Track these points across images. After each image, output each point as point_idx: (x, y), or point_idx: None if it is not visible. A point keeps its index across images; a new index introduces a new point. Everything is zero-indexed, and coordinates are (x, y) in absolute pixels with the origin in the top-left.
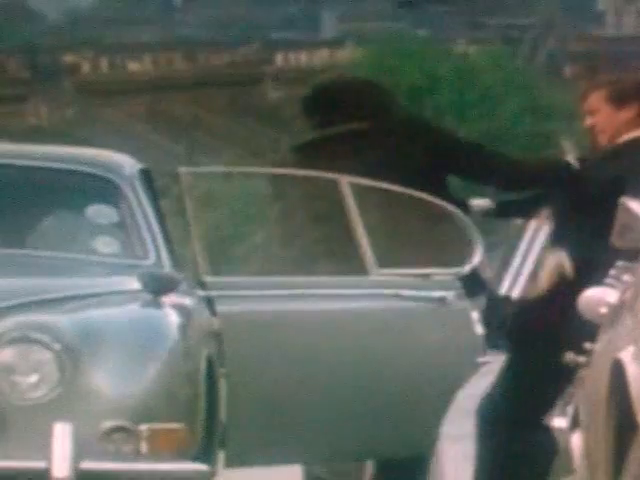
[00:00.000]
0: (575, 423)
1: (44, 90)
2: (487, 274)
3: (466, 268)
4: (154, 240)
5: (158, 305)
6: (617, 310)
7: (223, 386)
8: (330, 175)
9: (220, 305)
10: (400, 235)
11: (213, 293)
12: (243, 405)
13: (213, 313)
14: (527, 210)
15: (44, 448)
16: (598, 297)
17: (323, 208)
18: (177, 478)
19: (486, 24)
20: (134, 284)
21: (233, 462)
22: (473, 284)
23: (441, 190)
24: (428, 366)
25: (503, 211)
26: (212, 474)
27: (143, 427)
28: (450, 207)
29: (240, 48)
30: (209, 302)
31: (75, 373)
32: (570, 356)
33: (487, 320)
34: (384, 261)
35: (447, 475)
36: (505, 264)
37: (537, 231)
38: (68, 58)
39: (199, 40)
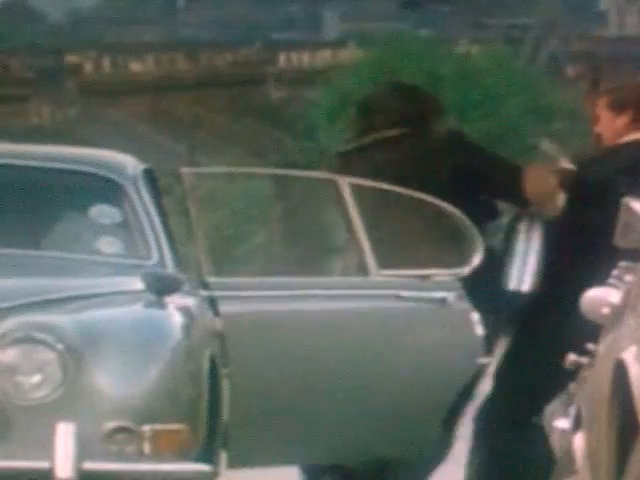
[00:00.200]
0: (577, 424)
1: (46, 90)
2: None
3: (466, 269)
4: (157, 240)
5: (161, 305)
6: (619, 310)
7: (226, 386)
8: (330, 175)
9: (223, 305)
10: (400, 236)
11: (216, 293)
12: (246, 406)
13: (216, 313)
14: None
15: (47, 448)
16: (600, 297)
17: (323, 208)
18: (180, 478)
19: (488, 24)
20: (137, 284)
21: (235, 462)
22: (475, 283)
23: (472, 210)
24: (428, 367)
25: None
26: (215, 474)
27: (146, 427)
28: (450, 207)
29: (242, 48)
30: (212, 302)
31: (78, 373)
32: (572, 357)
33: (495, 316)
34: (384, 262)
35: None
36: (506, 262)
37: (531, 226)
38: (70, 58)
39: (201, 40)
